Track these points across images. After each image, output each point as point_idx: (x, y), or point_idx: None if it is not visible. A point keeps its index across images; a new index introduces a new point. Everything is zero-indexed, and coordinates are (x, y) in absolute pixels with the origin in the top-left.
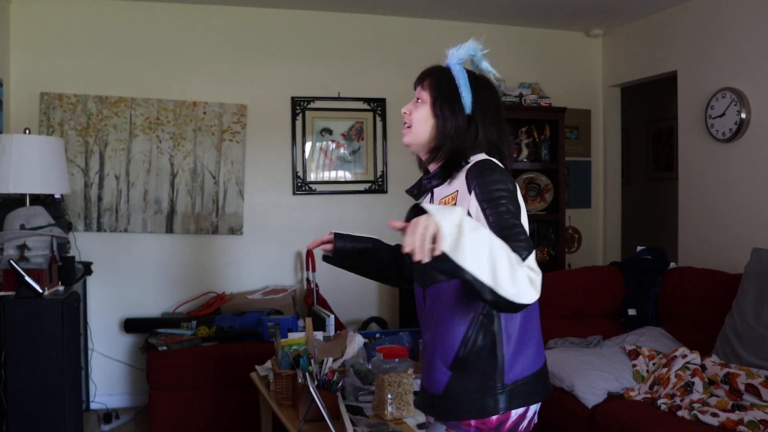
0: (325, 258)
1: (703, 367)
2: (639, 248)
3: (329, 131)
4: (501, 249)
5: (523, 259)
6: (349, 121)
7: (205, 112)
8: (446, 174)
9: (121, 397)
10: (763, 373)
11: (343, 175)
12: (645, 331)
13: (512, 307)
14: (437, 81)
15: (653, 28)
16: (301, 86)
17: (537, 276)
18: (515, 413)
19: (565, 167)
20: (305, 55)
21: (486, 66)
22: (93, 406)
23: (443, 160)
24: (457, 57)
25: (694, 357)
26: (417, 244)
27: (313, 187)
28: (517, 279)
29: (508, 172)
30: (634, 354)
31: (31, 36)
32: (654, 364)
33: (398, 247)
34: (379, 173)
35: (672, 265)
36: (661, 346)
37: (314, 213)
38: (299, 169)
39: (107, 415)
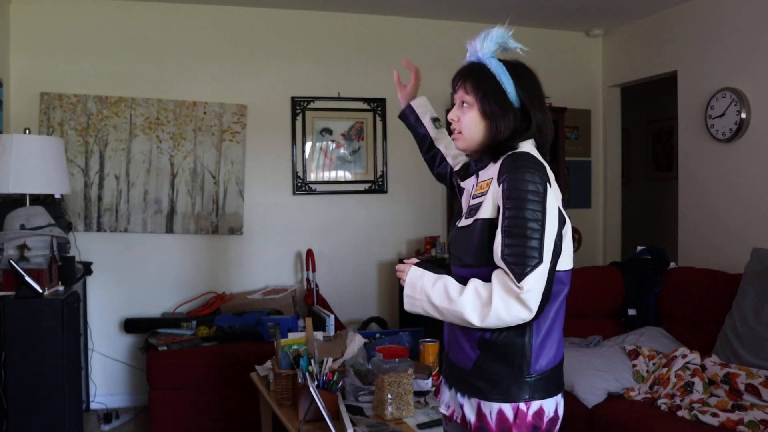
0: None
1: (703, 367)
2: (639, 248)
3: (329, 131)
4: (468, 297)
5: (519, 280)
6: (349, 121)
7: (205, 112)
8: (492, 156)
9: (121, 397)
10: (763, 373)
11: (343, 175)
12: (645, 331)
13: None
14: (479, 81)
15: (653, 28)
16: (301, 86)
17: (521, 300)
18: (548, 405)
19: (565, 167)
20: (305, 55)
21: (513, 44)
22: (93, 406)
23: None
24: (489, 50)
25: (694, 357)
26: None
27: (313, 187)
28: (489, 318)
29: (547, 151)
30: (634, 354)
31: (31, 36)
32: (654, 364)
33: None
34: (379, 173)
35: (672, 265)
36: (661, 346)
37: (314, 213)
38: (299, 169)
39: (107, 415)
